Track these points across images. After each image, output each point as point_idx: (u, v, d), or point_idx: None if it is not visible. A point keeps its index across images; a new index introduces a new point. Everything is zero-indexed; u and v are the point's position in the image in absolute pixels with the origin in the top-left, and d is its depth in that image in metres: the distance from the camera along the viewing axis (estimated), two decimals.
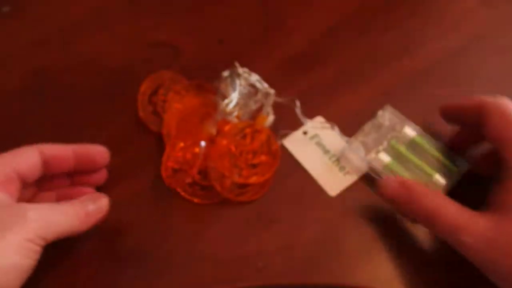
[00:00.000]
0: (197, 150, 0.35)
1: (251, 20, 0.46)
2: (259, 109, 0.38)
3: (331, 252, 0.34)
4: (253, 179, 0.36)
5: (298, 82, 0.41)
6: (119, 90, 0.41)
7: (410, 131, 0.37)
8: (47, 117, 0.40)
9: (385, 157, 0.36)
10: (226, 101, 0.36)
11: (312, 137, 0.39)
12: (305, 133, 0.39)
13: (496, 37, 0.44)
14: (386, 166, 0.36)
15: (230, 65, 0.41)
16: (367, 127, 0.38)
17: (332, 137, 0.38)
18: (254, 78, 0.36)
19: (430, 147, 0.36)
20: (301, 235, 0.35)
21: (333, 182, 0.37)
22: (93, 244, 0.34)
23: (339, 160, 0.38)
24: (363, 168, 0.37)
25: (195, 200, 0.36)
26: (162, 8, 0.47)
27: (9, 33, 0.45)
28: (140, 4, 0.47)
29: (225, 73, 0.36)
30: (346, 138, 0.38)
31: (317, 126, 0.39)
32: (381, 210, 0.35)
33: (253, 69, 0.42)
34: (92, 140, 0.38)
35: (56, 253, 0.33)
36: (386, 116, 0.38)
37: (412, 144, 0.37)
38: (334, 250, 0.34)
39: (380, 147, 0.37)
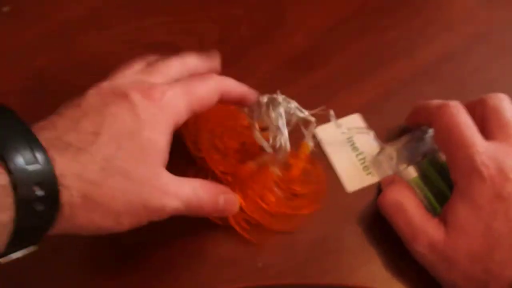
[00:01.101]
0: (271, 198, 0.34)
1: (251, 20, 0.46)
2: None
3: (331, 252, 0.34)
4: (303, 210, 0.35)
5: (298, 82, 0.41)
6: None
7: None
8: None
9: (413, 172, 0.36)
10: (279, 137, 0.34)
11: (345, 132, 0.39)
12: (338, 126, 0.39)
13: (496, 37, 0.44)
14: (412, 180, 0.35)
15: (230, 65, 0.41)
16: (407, 137, 0.37)
17: (365, 136, 0.39)
18: (293, 105, 0.35)
19: None
20: (301, 234, 0.35)
21: (354, 178, 0.37)
22: (92, 244, 0.34)
23: (365, 159, 0.38)
24: (389, 174, 0.37)
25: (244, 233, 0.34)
26: (162, 8, 0.47)
27: (9, 33, 0.45)
28: (140, 3, 0.47)
29: (263, 99, 0.34)
30: (381, 142, 0.38)
31: (352, 131, 0.39)
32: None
33: (253, 69, 0.42)
34: None
35: (54, 254, 0.32)
36: (431, 134, 0.37)
37: (443, 168, 0.35)
38: (334, 250, 0.34)
39: (414, 161, 0.36)
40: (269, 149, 0.34)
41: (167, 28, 0.45)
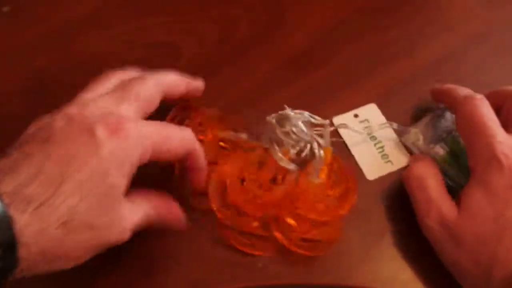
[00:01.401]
0: (320, 208, 0.34)
1: (251, 20, 0.46)
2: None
3: (331, 252, 0.34)
4: (341, 211, 0.34)
5: (298, 82, 0.41)
6: None
7: None
8: None
9: (441, 150, 0.36)
10: (307, 148, 0.34)
11: (362, 121, 0.39)
12: (356, 116, 0.39)
13: (496, 37, 0.45)
14: (441, 157, 0.36)
15: (230, 65, 0.41)
16: (428, 117, 0.38)
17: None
18: (306, 115, 0.34)
19: None
20: None
21: (373, 167, 0.37)
22: None
23: (383, 148, 0.38)
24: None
25: (256, 253, 0.34)
26: (163, 8, 0.47)
27: (9, 33, 0.45)
28: (140, 3, 0.47)
29: (272, 119, 0.33)
30: (403, 127, 0.38)
31: (374, 126, 0.39)
32: (388, 209, 0.36)
33: (253, 69, 0.42)
34: None
35: None
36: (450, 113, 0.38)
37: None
38: (334, 250, 0.34)
39: (440, 138, 0.37)
40: (292, 167, 0.34)
41: (167, 28, 0.45)
